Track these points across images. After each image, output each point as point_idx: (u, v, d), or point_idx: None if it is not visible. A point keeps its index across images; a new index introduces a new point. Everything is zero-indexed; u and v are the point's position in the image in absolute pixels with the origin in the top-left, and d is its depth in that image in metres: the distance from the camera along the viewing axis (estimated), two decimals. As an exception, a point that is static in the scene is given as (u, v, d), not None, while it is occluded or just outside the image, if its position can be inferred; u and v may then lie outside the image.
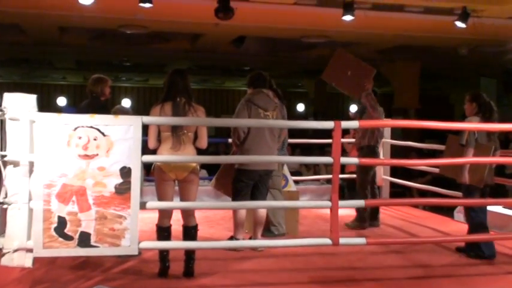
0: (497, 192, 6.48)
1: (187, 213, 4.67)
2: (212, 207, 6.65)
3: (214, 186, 6.14)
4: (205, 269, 4.79)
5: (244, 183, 5.42)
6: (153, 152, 4.54)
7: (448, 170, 5.59)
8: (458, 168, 5.33)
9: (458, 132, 5.45)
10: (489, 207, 6.34)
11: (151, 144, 4.51)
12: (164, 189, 4.54)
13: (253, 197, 5.41)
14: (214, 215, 6.97)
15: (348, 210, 6.97)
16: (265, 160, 5.39)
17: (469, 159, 5.17)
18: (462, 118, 6.02)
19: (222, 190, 5.99)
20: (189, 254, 4.58)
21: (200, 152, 4.65)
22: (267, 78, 5.68)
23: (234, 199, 5.50)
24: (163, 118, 4.51)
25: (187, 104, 4.51)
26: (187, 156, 4.50)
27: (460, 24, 8.50)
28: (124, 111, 5.28)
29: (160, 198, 4.59)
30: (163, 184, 4.54)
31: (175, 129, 4.45)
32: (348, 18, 8.41)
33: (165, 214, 4.64)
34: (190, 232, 4.65)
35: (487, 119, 5.33)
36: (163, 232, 4.63)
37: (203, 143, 4.55)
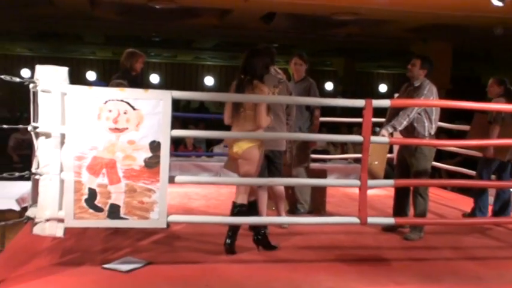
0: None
1: (237, 190, 4.74)
2: (237, 182, 6.66)
3: (225, 167, 6.11)
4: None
5: None
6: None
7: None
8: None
9: (485, 112, 5.96)
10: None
11: (225, 120, 4.75)
12: (230, 164, 4.79)
13: (268, 175, 5.26)
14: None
15: (375, 190, 6.94)
16: (284, 137, 5.30)
17: (495, 140, 5.73)
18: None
19: (233, 170, 5.93)
20: (254, 229, 4.77)
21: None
22: (272, 53, 5.34)
23: None
24: (189, 93, 4.63)
25: (248, 82, 4.59)
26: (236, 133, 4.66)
27: (496, 2, 8.25)
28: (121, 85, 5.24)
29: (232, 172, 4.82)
30: (229, 159, 4.78)
31: (235, 107, 4.59)
32: (380, -5, 8.26)
33: (240, 190, 4.72)
34: (233, 208, 4.68)
35: (510, 100, 5.84)
36: (235, 208, 4.68)
37: (258, 120, 4.55)
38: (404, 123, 5.13)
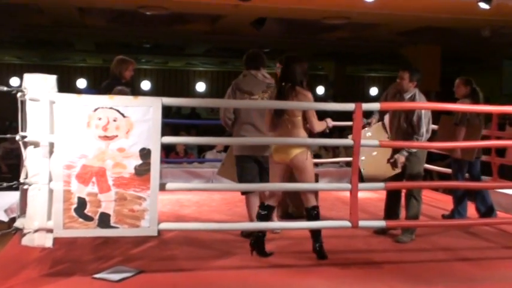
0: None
1: (303, 196, 4.76)
2: (229, 189, 6.67)
3: (218, 173, 6.12)
4: (223, 251, 4.81)
5: (243, 169, 5.28)
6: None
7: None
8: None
9: (450, 113, 6.13)
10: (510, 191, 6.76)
11: (266, 128, 4.80)
12: (271, 170, 4.83)
13: (261, 181, 5.25)
14: (233, 197, 6.98)
15: (367, 193, 6.95)
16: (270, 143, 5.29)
17: (481, 142, 5.89)
18: (484, 101, 6.15)
19: (227, 176, 5.94)
20: (313, 235, 4.72)
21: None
22: (261, 58, 5.37)
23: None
24: (180, 99, 4.67)
25: (290, 89, 4.62)
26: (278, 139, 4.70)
27: (483, 5, 8.30)
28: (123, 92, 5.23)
29: (270, 179, 4.86)
30: (271, 165, 4.82)
31: (276, 114, 4.62)
32: (369, -1, 8.29)
33: (270, 194, 4.80)
34: (308, 213, 4.72)
35: (476, 101, 5.95)
36: (263, 209, 4.74)
37: (311, 126, 4.62)
38: (423, 130, 5.17)
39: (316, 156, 10.14)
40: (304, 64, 4.74)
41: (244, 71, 5.37)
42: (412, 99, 5.29)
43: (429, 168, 8.16)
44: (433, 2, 9.28)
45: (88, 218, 4.02)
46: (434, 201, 7.27)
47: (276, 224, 5.37)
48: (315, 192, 4.83)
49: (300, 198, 6.02)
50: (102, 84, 6.20)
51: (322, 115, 4.99)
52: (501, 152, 7.64)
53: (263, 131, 5.05)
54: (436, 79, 14.03)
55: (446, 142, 5.90)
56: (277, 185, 5.26)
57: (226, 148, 9.46)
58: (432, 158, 7.74)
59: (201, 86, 20.50)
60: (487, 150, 7.16)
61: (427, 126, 5.26)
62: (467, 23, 10.83)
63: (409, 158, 5.28)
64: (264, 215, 4.74)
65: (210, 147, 10.24)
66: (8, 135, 4.50)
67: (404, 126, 5.29)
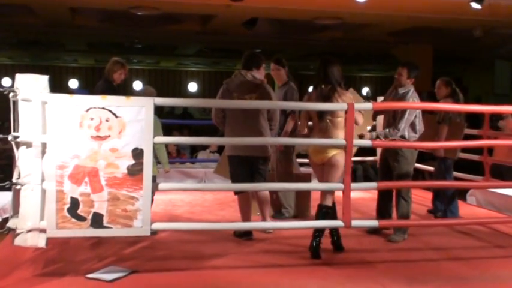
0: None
1: (322, 193, 4.86)
2: (222, 188, 6.68)
3: (215, 172, 6.15)
4: (216, 251, 4.81)
5: (234, 169, 5.29)
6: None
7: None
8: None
9: (432, 112, 6.33)
10: (504, 191, 6.94)
11: (303, 129, 4.98)
12: (314, 171, 4.99)
13: (252, 181, 5.23)
14: (226, 197, 6.98)
15: (360, 193, 6.97)
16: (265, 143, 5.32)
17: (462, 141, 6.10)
18: (476, 100, 6.22)
19: (223, 175, 5.97)
20: (332, 232, 4.90)
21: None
22: (254, 58, 5.36)
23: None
24: (172, 99, 4.76)
25: (331, 90, 4.74)
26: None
27: (475, 5, 8.35)
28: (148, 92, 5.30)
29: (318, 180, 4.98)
30: (312, 167, 4.96)
31: (320, 115, 4.71)
32: (361, -1, 8.31)
33: (326, 193, 4.84)
34: (320, 210, 4.80)
35: (456, 101, 6.19)
36: (322, 209, 4.80)
37: (357, 123, 4.70)
38: (402, 126, 5.18)
39: (308, 156, 10.15)
40: (339, 66, 4.86)
41: (236, 71, 5.38)
42: (405, 94, 5.32)
43: (421, 168, 8.21)
44: (424, 2, 9.33)
45: (81, 218, 4.01)
46: (426, 201, 7.29)
47: (268, 223, 5.39)
48: (332, 194, 4.87)
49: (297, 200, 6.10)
50: (97, 84, 6.23)
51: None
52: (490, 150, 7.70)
53: (251, 131, 5.09)
54: (428, 79, 14.07)
55: (430, 141, 5.93)
56: (268, 185, 5.30)
57: (219, 148, 9.47)
58: (424, 157, 7.77)
59: (193, 86, 20.47)
60: (479, 150, 7.23)
61: (419, 126, 5.29)
62: (459, 23, 10.88)
63: (398, 159, 5.31)
64: (331, 213, 4.82)
65: (203, 147, 10.23)
66: (0, 136, 4.49)
67: (392, 121, 5.34)
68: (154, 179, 5.02)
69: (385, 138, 5.21)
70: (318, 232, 4.72)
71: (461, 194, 7.62)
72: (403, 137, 5.26)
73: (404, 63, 5.52)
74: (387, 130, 5.23)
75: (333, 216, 4.82)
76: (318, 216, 4.78)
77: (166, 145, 9.84)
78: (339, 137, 4.72)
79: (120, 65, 6.05)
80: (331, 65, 4.83)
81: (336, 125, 4.75)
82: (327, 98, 4.73)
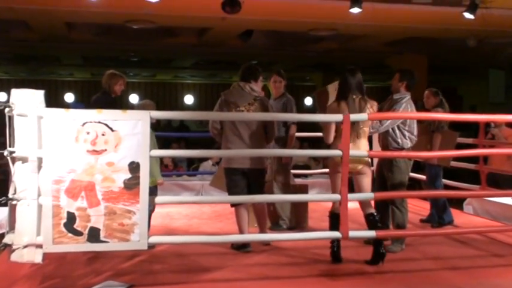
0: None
1: (363, 204, 4.95)
2: (219, 201, 6.66)
3: (211, 184, 6.13)
4: (214, 263, 4.79)
5: (231, 181, 5.28)
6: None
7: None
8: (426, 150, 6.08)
9: (421, 122, 6.23)
10: (500, 200, 6.91)
11: (330, 139, 4.87)
12: (336, 180, 4.81)
13: (249, 193, 5.23)
14: (224, 210, 6.97)
15: (357, 203, 6.94)
16: (260, 155, 5.30)
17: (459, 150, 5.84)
18: (471, 109, 6.28)
19: (219, 187, 5.95)
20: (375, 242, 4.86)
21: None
22: (251, 71, 5.36)
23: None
24: (168, 112, 4.76)
25: (362, 100, 4.84)
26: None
27: (468, 15, 8.42)
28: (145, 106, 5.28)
29: (334, 189, 4.87)
30: (336, 176, 4.79)
31: (353, 125, 4.66)
32: (355, 10, 8.35)
33: (365, 203, 4.94)
34: (368, 219, 4.88)
35: (445, 110, 6.30)
36: (370, 217, 4.88)
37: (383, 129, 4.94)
38: (387, 123, 5.21)
39: (305, 167, 10.17)
40: (361, 76, 4.94)
41: (234, 83, 5.40)
42: (399, 100, 5.36)
43: (417, 178, 8.22)
44: (418, 12, 9.41)
45: (78, 233, 3.99)
46: (424, 211, 7.29)
47: (266, 235, 5.37)
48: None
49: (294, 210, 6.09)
50: (92, 98, 6.22)
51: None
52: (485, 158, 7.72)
53: (248, 143, 5.09)
54: (423, 88, 14.11)
55: (423, 149, 6.00)
56: (265, 197, 5.29)
57: (221, 160, 9.45)
58: (420, 167, 7.78)
59: (189, 99, 20.50)
60: (475, 159, 7.25)
61: (409, 133, 5.31)
62: (452, 33, 10.96)
63: (392, 169, 5.34)
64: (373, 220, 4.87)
65: (204, 159, 10.22)
66: (-4, 151, 4.48)
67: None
68: (155, 189, 5.01)
69: (373, 130, 5.24)
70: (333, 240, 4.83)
71: (458, 203, 7.65)
72: (397, 145, 5.28)
73: (398, 69, 5.66)
74: (374, 122, 5.22)
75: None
76: (370, 226, 4.85)
77: (161, 158, 9.87)
78: (366, 146, 4.85)
79: (118, 76, 6.06)
80: (358, 75, 4.92)
81: (363, 134, 4.82)
82: (359, 109, 4.79)
